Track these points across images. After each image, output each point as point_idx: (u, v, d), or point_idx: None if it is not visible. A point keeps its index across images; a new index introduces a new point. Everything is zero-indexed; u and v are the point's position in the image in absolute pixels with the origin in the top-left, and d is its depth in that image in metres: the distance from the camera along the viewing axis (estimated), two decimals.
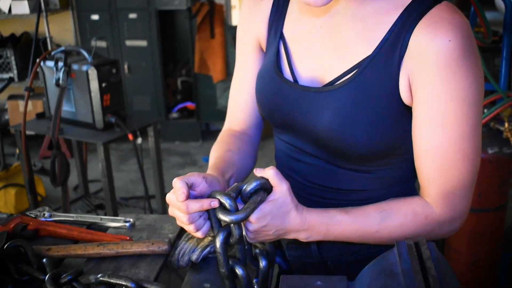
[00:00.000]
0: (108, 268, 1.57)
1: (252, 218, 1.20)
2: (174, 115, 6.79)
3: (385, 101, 1.20)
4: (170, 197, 1.21)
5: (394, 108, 1.20)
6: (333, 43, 1.28)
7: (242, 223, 1.24)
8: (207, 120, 6.90)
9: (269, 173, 1.21)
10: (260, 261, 1.35)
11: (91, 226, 1.83)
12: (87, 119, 3.79)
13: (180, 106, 6.84)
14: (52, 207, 4.16)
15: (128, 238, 1.69)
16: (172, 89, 6.88)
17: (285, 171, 1.47)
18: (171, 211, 1.23)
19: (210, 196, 1.23)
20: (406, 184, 1.37)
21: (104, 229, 1.81)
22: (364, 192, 1.37)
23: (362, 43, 1.23)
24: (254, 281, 1.37)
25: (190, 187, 1.21)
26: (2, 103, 6.56)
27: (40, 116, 4.14)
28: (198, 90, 6.62)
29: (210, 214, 1.25)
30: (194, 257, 1.55)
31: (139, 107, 6.62)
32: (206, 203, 1.19)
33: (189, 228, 1.22)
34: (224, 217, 1.18)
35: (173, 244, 1.68)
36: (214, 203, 1.20)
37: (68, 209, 3.91)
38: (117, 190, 5.28)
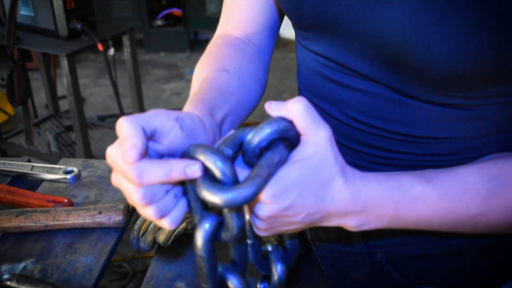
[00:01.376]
0: (30, 252, 1.03)
1: (266, 195, 0.65)
2: (159, 22, 6.19)
3: None
4: (112, 154, 0.63)
5: None
6: None
7: (246, 205, 0.71)
8: (196, 28, 6.28)
9: (296, 109, 0.66)
10: (274, 265, 0.81)
11: (17, 179, 1.27)
12: (48, 26, 3.16)
13: (166, 12, 6.21)
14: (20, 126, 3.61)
15: (65, 200, 1.13)
16: None
17: (317, 105, 0.89)
18: (115, 178, 0.65)
19: (185, 154, 0.66)
20: None
21: (37, 182, 1.26)
22: (455, 141, 0.81)
23: None
24: None
25: (150, 137, 0.64)
26: None
27: None
28: None
29: (186, 189, 0.69)
30: (161, 237, 1.00)
31: (118, 12, 6.00)
32: (178, 168, 0.63)
33: (147, 212, 0.65)
34: (213, 195, 0.63)
35: (133, 213, 1.13)
36: (194, 169, 0.63)
37: (31, 133, 3.35)
38: (95, 107, 4.75)
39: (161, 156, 0.68)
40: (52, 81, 3.97)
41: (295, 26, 0.90)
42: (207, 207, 0.71)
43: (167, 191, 0.65)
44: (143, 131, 0.61)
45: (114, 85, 3.23)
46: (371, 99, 0.81)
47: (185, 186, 0.69)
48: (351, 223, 0.72)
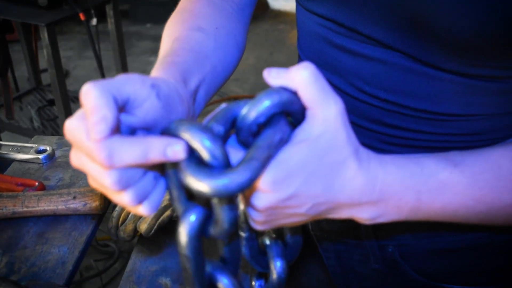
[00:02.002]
0: None
1: (265, 182, 0.54)
2: None
3: None
4: (73, 128, 0.50)
5: None
6: None
7: (240, 194, 0.60)
8: None
9: (302, 77, 0.55)
10: (273, 262, 0.70)
11: None
12: None
13: None
14: None
15: (36, 183, 1.01)
16: None
17: (324, 75, 0.77)
18: (77, 159, 0.53)
19: (166, 131, 0.54)
20: None
21: (7, 162, 1.14)
22: (483, 118, 0.70)
23: None
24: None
25: (122, 107, 0.52)
26: None
27: None
28: None
29: (167, 172, 0.57)
30: (143, 227, 0.89)
31: None
32: (157, 148, 0.51)
33: (121, 199, 0.53)
34: (199, 182, 0.51)
35: None
36: (177, 150, 0.51)
37: (12, 107, 3.21)
38: (80, 80, 4.59)
39: (133, 130, 0.56)
40: (33, 53, 3.82)
41: None
42: (192, 196, 0.59)
43: (145, 172, 0.54)
44: (114, 100, 0.49)
45: (98, 58, 3.09)
46: (386, 70, 0.69)
47: (166, 171, 0.58)
48: (364, 215, 0.61)
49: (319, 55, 0.77)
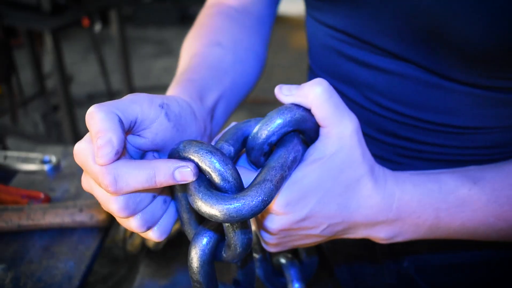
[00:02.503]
0: (1, 257, 0.89)
1: (278, 204, 0.53)
2: None
3: None
4: (80, 151, 0.48)
5: None
6: None
7: (253, 218, 0.59)
8: (186, 3, 6.12)
9: (315, 94, 0.53)
10: (290, 282, 0.67)
11: None
12: (31, 0, 3.01)
13: None
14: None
15: (41, 195, 0.99)
16: None
17: (335, 87, 0.75)
18: (86, 182, 0.52)
19: (174, 153, 0.52)
20: None
21: (12, 173, 1.12)
22: (502, 131, 0.68)
23: None
24: None
25: (129, 130, 0.50)
26: None
27: None
28: None
29: (177, 196, 0.56)
30: (151, 241, 0.87)
31: None
32: (164, 172, 0.48)
33: (129, 224, 0.52)
34: (210, 207, 0.49)
35: None
36: (185, 172, 0.49)
37: (16, 113, 3.20)
38: (85, 84, 4.57)
39: (143, 153, 0.54)
40: (37, 58, 3.81)
41: None
42: (203, 219, 0.57)
43: (154, 197, 0.52)
44: (120, 122, 0.47)
45: (101, 62, 3.07)
46: (401, 82, 0.67)
47: (175, 194, 0.56)
48: (381, 235, 0.59)
49: (333, 68, 0.75)
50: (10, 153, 1.14)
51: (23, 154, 1.13)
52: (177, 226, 0.88)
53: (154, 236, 0.53)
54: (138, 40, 5.64)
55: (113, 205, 0.48)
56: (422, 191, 0.57)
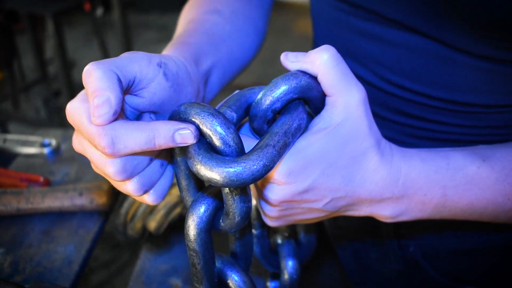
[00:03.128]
0: (0, 242, 0.88)
1: (280, 172, 0.51)
2: None
3: None
4: (73, 111, 0.46)
5: None
6: None
7: (252, 185, 0.57)
8: None
9: (322, 61, 0.51)
10: (284, 261, 0.66)
11: None
12: None
13: None
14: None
15: (40, 179, 0.98)
16: None
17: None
18: (79, 143, 0.50)
19: (175, 115, 0.50)
20: None
21: (11, 156, 1.10)
22: (511, 111, 0.65)
23: None
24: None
25: (128, 88, 0.48)
26: None
27: None
28: None
29: (176, 160, 0.54)
30: (153, 224, 0.86)
31: None
32: (164, 134, 0.47)
33: (126, 188, 0.50)
34: (210, 170, 0.47)
35: (119, 192, 0.97)
36: (186, 135, 0.47)
37: (18, 98, 3.18)
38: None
39: (139, 114, 0.52)
40: (39, 43, 3.79)
41: None
42: (202, 186, 0.56)
43: (151, 160, 0.50)
44: (119, 81, 0.45)
45: (103, 48, 3.05)
46: (409, 55, 0.65)
47: (174, 158, 0.54)
48: (385, 212, 0.57)
49: (337, 41, 0.73)
50: (10, 136, 1.12)
51: (23, 137, 1.12)
52: (178, 210, 0.86)
53: (150, 199, 0.52)
54: (141, 25, 5.60)
55: (109, 168, 0.46)
56: (430, 168, 0.56)
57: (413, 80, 0.66)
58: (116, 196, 0.97)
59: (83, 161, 1.08)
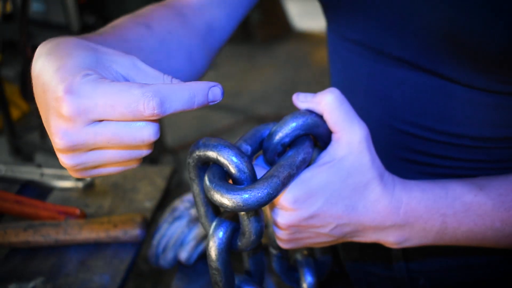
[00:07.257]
0: (39, 270, 0.93)
1: (286, 200, 0.58)
2: None
3: None
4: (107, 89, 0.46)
5: None
6: None
7: (264, 208, 0.63)
8: None
9: (327, 102, 0.58)
10: (304, 277, 0.72)
11: (26, 186, 1.18)
12: (60, 19, 3.09)
13: None
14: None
15: (77, 211, 1.04)
16: None
17: (357, 103, 0.77)
18: (77, 133, 0.47)
19: (194, 149, 0.58)
20: None
21: (48, 190, 1.17)
22: None
23: None
24: None
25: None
26: None
27: (7, 18, 3.40)
28: None
29: (194, 192, 0.62)
30: (183, 255, 0.91)
31: (133, 7, 5.84)
32: (202, 92, 0.49)
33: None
34: (222, 196, 0.54)
35: (150, 223, 1.03)
36: (216, 92, 0.50)
37: (44, 130, 3.27)
38: None
39: None
40: None
41: (325, 8, 0.79)
42: (218, 212, 0.63)
43: None
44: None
45: None
46: (415, 92, 0.70)
47: (192, 190, 0.61)
48: (390, 239, 0.62)
49: (350, 82, 0.79)
50: (46, 171, 1.18)
51: (58, 172, 1.18)
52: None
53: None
54: None
55: (147, 130, 0.46)
56: (429, 197, 0.61)
57: (425, 117, 0.71)
58: (148, 227, 1.02)
59: (117, 195, 1.13)
